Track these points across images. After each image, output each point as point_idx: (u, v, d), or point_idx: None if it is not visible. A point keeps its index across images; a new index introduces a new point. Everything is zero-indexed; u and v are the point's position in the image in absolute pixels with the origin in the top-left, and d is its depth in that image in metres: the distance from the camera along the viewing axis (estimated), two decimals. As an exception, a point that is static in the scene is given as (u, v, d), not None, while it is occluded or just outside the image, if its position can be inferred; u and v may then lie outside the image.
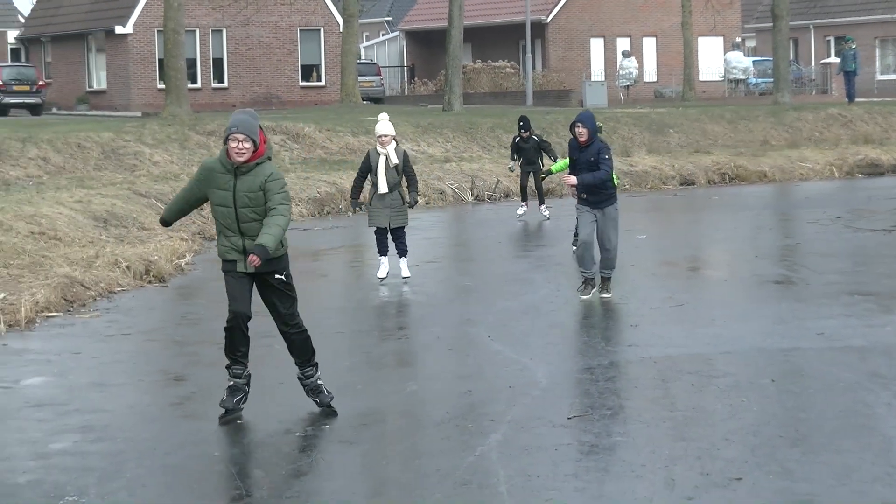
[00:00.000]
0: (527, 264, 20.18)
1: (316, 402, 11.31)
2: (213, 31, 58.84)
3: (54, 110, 56.82)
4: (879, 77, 70.37)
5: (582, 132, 16.22)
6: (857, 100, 54.28)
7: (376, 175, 18.29)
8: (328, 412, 11.22)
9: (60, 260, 19.43)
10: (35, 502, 9.02)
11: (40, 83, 56.28)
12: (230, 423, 10.97)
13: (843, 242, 23.76)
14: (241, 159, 10.70)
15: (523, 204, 28.89)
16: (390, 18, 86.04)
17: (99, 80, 59.88)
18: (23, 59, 65.41)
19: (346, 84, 51.84)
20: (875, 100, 58.69)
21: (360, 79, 55.75)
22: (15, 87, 54.31)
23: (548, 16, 65.39)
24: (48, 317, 16.51)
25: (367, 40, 76.26)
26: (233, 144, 10.68)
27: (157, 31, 53.03)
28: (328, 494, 9.13)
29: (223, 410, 11.09)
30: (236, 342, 11.19)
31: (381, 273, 18.77)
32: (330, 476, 9.59)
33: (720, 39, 69.53)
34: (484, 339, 14.95)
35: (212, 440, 10.71)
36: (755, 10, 74.62)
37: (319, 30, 61.28)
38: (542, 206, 28.47)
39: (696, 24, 61.74)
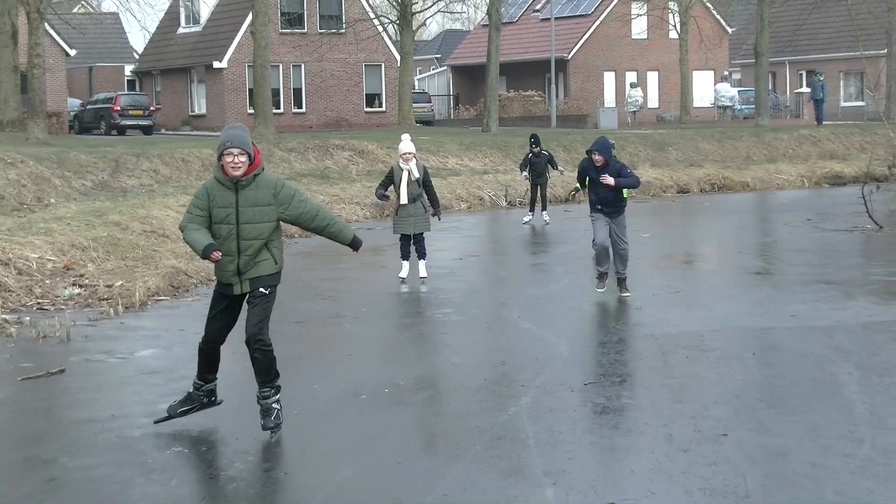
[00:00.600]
0: (550, 259, 20.16)
1: (261, 422, 9.48)
2: (293, 65, 58.97)
3: (163, 131, 57.02)
4: (843, 104, 70.05)
5: (598, 159, 15.66)
6: (824, 122, 54.24)
7: (399, 188, 17.65)
8: (389, 384, 11.20)
9: (168, 254, 19.55)
10: (147, 451, 9.09)
11: (151, 108, 56.52)
12: (160, 424, 9.76)
13: (812, 240, 23.67)
14: (238, 173, 9.30)
15: (530, 213, 28.00)
16: (439, 55, 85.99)
17: (200, 106, 60.09)
18: (137, 88, 65.65)
19: (403, 109, 52.01)
20: (839, 122, 58.49)
21: (414, 105, 55.78)
22: (131, 112, 54.54)
23: (569, 54, 65.34)
24: (158, 300, 16.61)
25: (420, 73, 76.24)
26: (228, 159, 9.30)
27: (248, 65, 53.12)
28: (388, 446, 9.16)
29: (165, 414, 9.83)
30: (208, 364, 10.01)
31: (403, 273, 18.04)
32: (390, 431, 9.62)
33: (711, 73, 69.44)
34: (515, 319, 14.98)
35: (291, 400, 10.73)
36: (740, 48, 74.28)
37: (381, 65, 61.36)
38: (544, 213, 27.89)
39: (691, 61, 61.77)
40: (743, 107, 65.66)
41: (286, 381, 11.57)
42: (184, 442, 9.33)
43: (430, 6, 59.96)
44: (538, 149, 27.73)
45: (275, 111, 49.89)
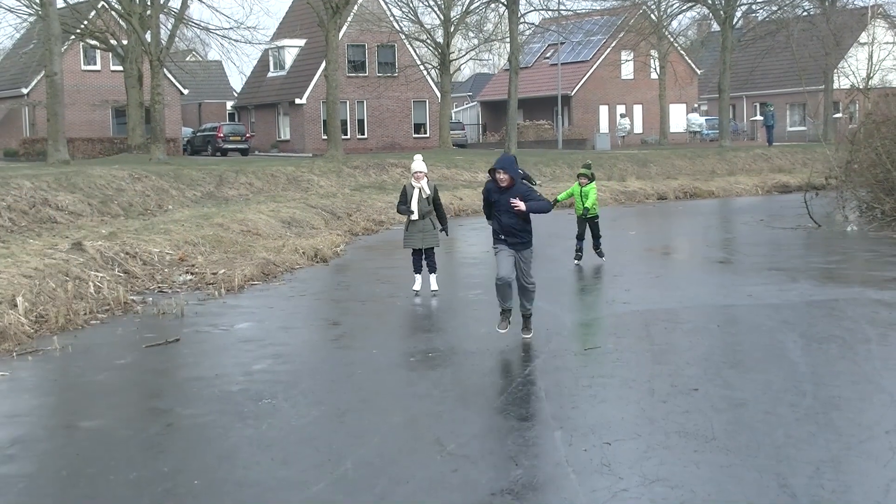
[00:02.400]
0: (558, 250, 20.05)
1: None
2: (357, 101, 59.09)
3: (256, 152, 57.21)
4: (789, 129, 69.74)
5: (503, 178, 11.33)
6: (774, 144, 53.99)
7: (410, 205, 15.33)
8: (432, 349, 11.19)
9: (260, 248, 19.58)
10: (243, 403, 9.09)
11: (247, 135, 56.73)
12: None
13: (764, 236, 23.51)
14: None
15: None
16: (471, 93, 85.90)
17: (285, 133, 60.24)
18: (236, 119, 65.89)
19: (442, 135, 52.15)
20: (786, 144, 58.17)
21: (451, 132, 55.82)
22: (231, 138, 54.76)
23: (572, 91, 65.25)
24: (252, 284, 16.63)
25: (456, 107, 76.22)
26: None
27: (322, 101, 53.24)
28: (431, 399, 9.14)
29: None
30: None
31: (416, 286, 15.58)
32: (432, 387, 9.60)
33: (684, 105, 69.37)
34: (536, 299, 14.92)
35: (356, 362, 10.75)
36: (707, 85, 73.93)
37: (426, 101, 61.40)
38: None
39: (668, 96, 61.75)
40: (709, 132, 65.46)
41: (353, 347, 11.59)
42: (272, 395, 9.33)
43: (464, 55, 59.96)
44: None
45: (343, 137, 50.09)
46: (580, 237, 18.61)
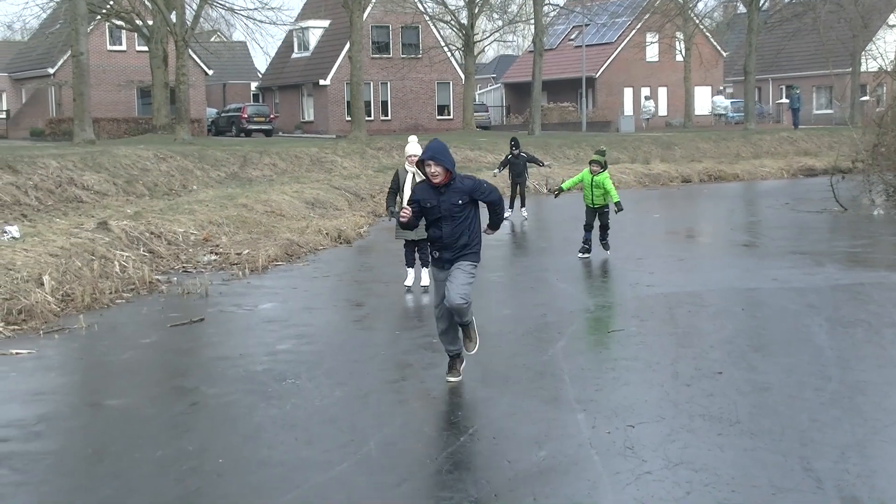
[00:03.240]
0: (581, 234, 19.99)
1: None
2: (381, 83, 59.01)
3: (280, 133, 57.24)
4: (815, 112, 69.27)
5: (437, 172, 8.38)
6: (800, 127, 53.63)
7: (403, 191, 13.95)
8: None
9: (284, 229, 19.61)
10: (267, 382, 9.12)
11: (271, 116, 56.75)
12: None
13: (789, 220, 23.38)
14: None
15: (509, 209, 24.10)
16: (495, 75, 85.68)
17: (309, 114, 60.26)
18: (260, 100, 65.96)
19: (466, 117, 52.09)
20: (812, 127, 57.83)
21: (475, 114, 55.78)
22: (255, 119, 54.76)
23: (596, 73, 64.97)
24: (276, 265, 16.68)
25: (480, 89, 76.06)
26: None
27: (346, 83, 53.22)
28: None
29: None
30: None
31: (408, 281, 14.36)
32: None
33: (709, 88, 68.96)
34: (553, 281, 14.89)
35: (379, 344, 10.76)
36: (732, 68, 73.43)
37: (449, 82, 61.26)
38: (523, 209, 24.95)
39: (693, 78, 61.26)
40: (734, 115, 65.17)
41: (376, 329, 11.60)
42: (296, 375, 9.35)
43: (488, 37, 59.81)
44: (517, 151, 24.77)
45: (366, 119, 50.05)
46: (588, 227, 17.00)
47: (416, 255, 14.25)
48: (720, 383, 8.78)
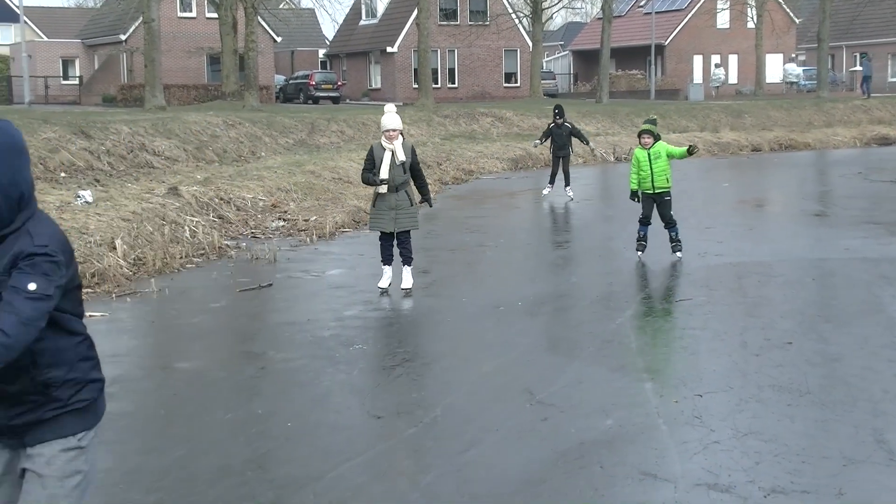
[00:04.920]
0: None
1: None
2: (448, 50, 58.87)
3: (348, 101, 57.39)
4: (890, 80, 67.98)
5: None
6: (873, 95, 52.70)
7: (379, 173, 11.40)
8: (521, 298, 11.16)
9: (351, 196, 19.70)
10: (335, 348, 9.18)
11: (339, 83, 56.89)
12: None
13: (862, 189, 23.00)
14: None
15: (549, 185, 21.78)
16: (563, 42, 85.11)
17: (376, 81, 60.34)
18: (328, 67, 66.12)
19: (533, 85, 51.79)
20: (887, 95, 56.76)
21: (542, 81, 55.44)
22: (323, 86, 54.89)
23: (666, 41, 64.29)
24: (343, 231, 16.76)
25: (547, 57, 75.55)
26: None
27: (413, 50, 53.16)
28: (520, 348, 9.14)
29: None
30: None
31: (383, 283, 11.75)
32: (521, 336, 9.60)
33: (781, 55, 67.85)
34: (621, 249, 14.78)
35: (445, 310, 10.78)
36: (805, 35, 72.30)
37: (517, 50, 60.97)
38: (568, 188, 21.33)
39: (764, 45, 60.38)
40: (807, 83, 64.10)
41: (442, 296, 11.63)
42: (362, 341, 9.41)
43: (557, 3, 59.25)
44: (561, 120, 21.46)
45: (434, 86, 49.99)
46: (645, 220, 13.73)
47: (396, 249, 11.92)
48: (790, 354, 8.68)
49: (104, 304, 11.22)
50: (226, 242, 15.13)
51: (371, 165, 11.56)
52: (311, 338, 9.61)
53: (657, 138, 13.53)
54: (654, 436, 6.72)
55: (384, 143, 11.53)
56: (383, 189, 11.46)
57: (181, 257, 13.75)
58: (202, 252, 14.35)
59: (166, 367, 8.78)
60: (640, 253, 13.66)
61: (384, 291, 11.67)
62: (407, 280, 11.74)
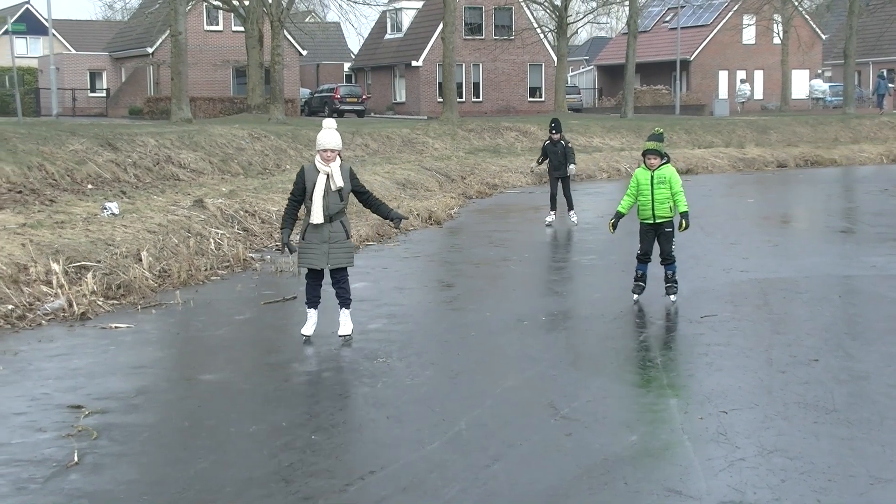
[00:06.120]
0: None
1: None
2: (473, 64, 59.01)
3: (372, 114, 57.57)
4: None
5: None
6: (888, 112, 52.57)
7: (311, 200, 9.74)
8: (545, 313, 11.14)
9: (375, 209, 19.71)
10: (359, 361, 9.19)
11: (363, 97, 57.07)
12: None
13: (889, 206, 22.86)
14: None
15: (552, 212, 19.58)
16: (587, 57, 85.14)
17: (400, 95, 60.50)
18: (353, 81, 66.36)
19: (558, 99, 51.82)
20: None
21: (567, 96, 55.49)
22: (348, 99, 55.08)
23: (691, 56, 64.26)
24: (367, 245, 16.79)
25: (572, 71, 75.58)
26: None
27: (438, 64, 53.32)
28: (544, 362, 9.11)
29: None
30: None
31: (307, 329, 10.01)
32: (545, 351, 9.58)
33: (807, 71, 67.77)
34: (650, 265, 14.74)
35: (470, 324, 10.77)
36: (832, 51, 72.09)
37: (541, 64, 61.06)
38: (571, 213, 19.38)
39: (790, 61, 60.26)
40: (833, 99, 63.88)
41: (466, 310, 11.61)
42: (387, 354, 9.41)
43: (582, 18, 59.29)
44: (557, 136, 19.08)
45: (458, 100, 50.11)
46: (644, 257, 12.00)
47: (334, 291, 10.24)
48: (816, 371, 8.63)
49: (129, 316, 11.27)
50: (250, 255, 15.18)
51: (300, 192, 9.83)
52: (336, 351, 9.61)
53: (665, 158, 11.76)
54: (678, 452, 6.69)
55: (319, 165, 9.75)
56: (318, 219, 9.75)
57: (206, 269, 13.80)
58: (227, 264, 14.40)
59: (191, 379, 8.80)
60: (636, 296, 11.88)
61: (307, 339, 9.95)
62: (345, 325, 10.06)
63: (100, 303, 11.59)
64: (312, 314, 10.06)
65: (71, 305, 11.27)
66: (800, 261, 14.89)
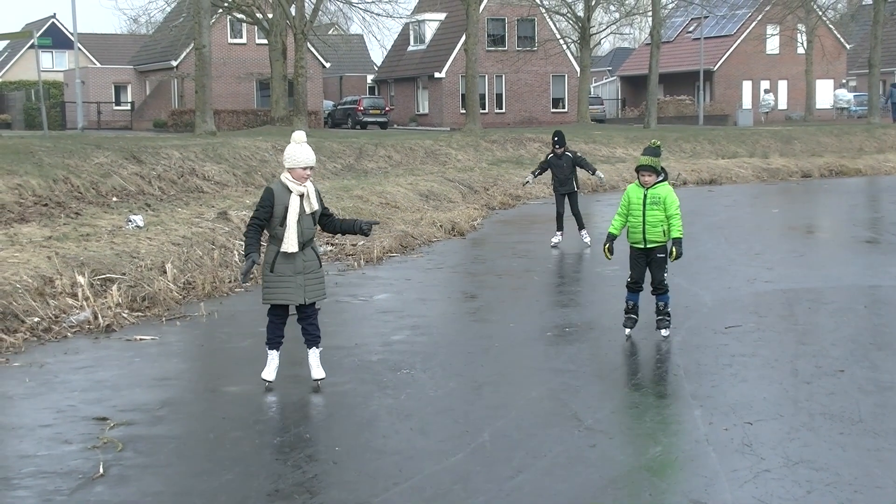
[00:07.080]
0: (696, 228, 19.73)
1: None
2: (496, 76, 59.09)
3: (395, 126, 57.69)
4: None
5: None
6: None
7: (283, 226, 8.29)
8: (569, 324, 11.12)
9: (398, 220, 19.76)
10: (382, 372, 9.20)
11: (387, 108, 57.22)
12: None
13: (915, 216, 22.75)
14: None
15: (558, 232, 18.11)
16: (610, 68, 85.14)
17: (423, 107, 60.63)
18: (376, 93, 66.56)
19: (581, 110, 51.81)
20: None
21: (590, 107, 55.44)
22: (371, 111, 55.28)
23: (715, 66, 64.15)
24: (391, 256, 16.81)
25: (595, 82, 75.55)
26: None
27: (461, 75, 53.40)
28: (568, 373, 9.11)
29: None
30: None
31: (268, 374, 8.69)
32: (569, 362, 9.57)
33: (831, 81, 67.49)
34: (668, 276, 14.67)
35: (493, 336, 10.76)
36: (856, 60, 71.80)
37: (564, 75, 61.08)
38: (583, 232, 17.94)
39: (815, 71, 60.06)
40: (857, 108, 63.57)
41: (490, 321, 11.61)
42: (410, 366, 9.42)
43: (604, 29, 59.25)
44: (561, 149, 17.72)
45: (481, 111, 50.17)
46: (634, 286, 10.70)
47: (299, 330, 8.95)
48: (842, 382, 8.58)
49: (154, 328, 11.33)
50: (274, 267, 15.21)
51: (267, 215, 8.36)
52: (359, 362, 9.63)
53: (662, 175, 10.54)
54: (703, 463, 6.67)
55: (291, 185, 8.37)
56: (292, 248, 8.33)
57: (230, 281, 13.85)
58: (251, 276, 14.42)
59: (215, 391, 8.83)
60: (628, 330, 10.60)
61: (268, 384, 8.70)
62: (318, 368, 8.76)
63: (125, 315, 11.65)
64: (274, 356, 8.78)
65: (96, 318, 11.34)
66: (825, 271, 14.83)
